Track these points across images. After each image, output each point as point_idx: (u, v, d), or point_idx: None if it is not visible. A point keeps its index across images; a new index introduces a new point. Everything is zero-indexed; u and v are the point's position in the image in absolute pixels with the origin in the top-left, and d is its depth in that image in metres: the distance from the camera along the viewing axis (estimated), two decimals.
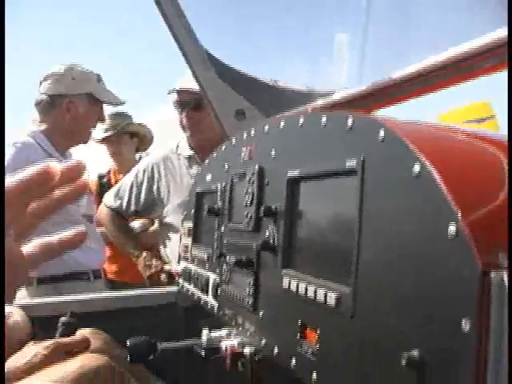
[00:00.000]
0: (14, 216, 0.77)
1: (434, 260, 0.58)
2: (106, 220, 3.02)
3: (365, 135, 0.74)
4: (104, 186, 3.91)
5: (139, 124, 4.06)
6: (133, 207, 2.91)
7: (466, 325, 0.52)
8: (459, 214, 0.55)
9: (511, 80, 0.71)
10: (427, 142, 0.69)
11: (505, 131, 0.81)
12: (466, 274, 0.53)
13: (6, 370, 1.23)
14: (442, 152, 0.67)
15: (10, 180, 0.75)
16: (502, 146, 0.75)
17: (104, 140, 3.91)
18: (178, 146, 2.91)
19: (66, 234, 0.82)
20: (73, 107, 2.63)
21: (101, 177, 4.02)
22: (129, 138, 3.97)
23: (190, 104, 2.68)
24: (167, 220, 2.80)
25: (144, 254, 2.87)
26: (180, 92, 2.71)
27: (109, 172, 4.07)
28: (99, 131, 3.95)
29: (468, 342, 0.51)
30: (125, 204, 2.93)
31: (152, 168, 2.88)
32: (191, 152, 2.80)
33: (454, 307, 0.54)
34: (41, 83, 2.65)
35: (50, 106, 2.63)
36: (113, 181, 3.93)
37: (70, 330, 1.37)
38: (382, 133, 0.70)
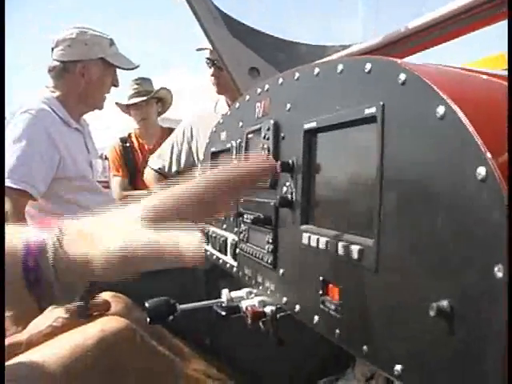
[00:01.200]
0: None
1: (463, 205, 0.55)
2: (151, 181, 3.13)
3: (384, 79, 0.70)
4: (126, 149, 3.98)
5: (166, 89, 4.10)
6: (174, 168, 2.97)
7: (499, 271, 0.49)
8: (488, 156, 0.51)
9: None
10: (450, 82, 0.66)
11: None
12: (498, 219, 0.50)
13: (28, 334, 1.24)
14: (467, 92, 0.64)
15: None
16: None
17: (133, 105, 3.94)
18: (216, 105, 2.91)
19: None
20: (86, 72, 2.60)
21: (123, 140, 4.04)
22: (155, 103, 4.02)
23: (216, 62, 2.68)
24: None
25: None
26: (211, 50, 2.70)
27: (130, 136, 4.10)
28: (124, 97, 3.99)
29: (502, 289, 0.49)
30: (167, 165, 3.01)
31: (191, 128, 2.93)
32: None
33: (485, 253, 0.51)
34: (53, 49, 2.62)
35: (63, 72, 2.60)
36: (135, 145, 3.99)
37: (92, 293, 1.37)
38: (402, 75, 0.66)
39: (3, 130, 2.34)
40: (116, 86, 2.78)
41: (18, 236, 0.75)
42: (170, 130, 4.11)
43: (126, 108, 4.02)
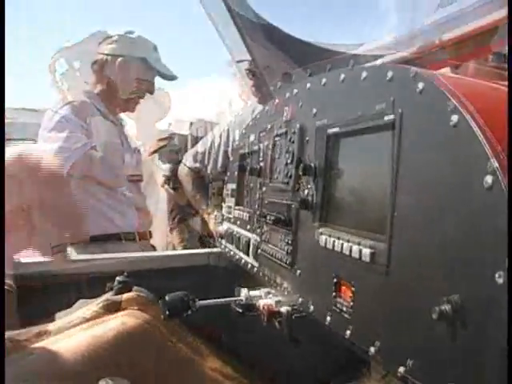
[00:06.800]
0: None
1: (469, 213, 0.56)
2: (186, 178, 3.18)
3: (404, 87, 0.72)
4: None
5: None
6: (210, 168, 3.02)
7: (500, 277, 0.50)
8: (496, 166, 0.52)
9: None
10: (466, 92, 0.66)
11: None
12: (501, 226, 0.51)
13: (58, 323, 1.29)
14: (481, 102, 0.65)
15: None
16: None
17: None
18: (253, 111, 2.94)
19: None
20: (125, 68, 2.62)
21: None
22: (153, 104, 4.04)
23: (255, 73, 2.71)
24: None
25: (216, 212, 2.94)
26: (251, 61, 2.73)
27: None
28: None
29: (503, 294, 0.50)
30: (204, 165, 3.03)
31: (228, 132, 2.96)
32: None
33: (487, 260, 0.52)
34: (99, 44, 2.67)
35: (105, 66, 2.64)
36: None
37: (125, 288, 1.40)
38: (420, 84, 0.68)
39: (3, 130, 2.39)
40: (151, 93, 2.78)
41: None
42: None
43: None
